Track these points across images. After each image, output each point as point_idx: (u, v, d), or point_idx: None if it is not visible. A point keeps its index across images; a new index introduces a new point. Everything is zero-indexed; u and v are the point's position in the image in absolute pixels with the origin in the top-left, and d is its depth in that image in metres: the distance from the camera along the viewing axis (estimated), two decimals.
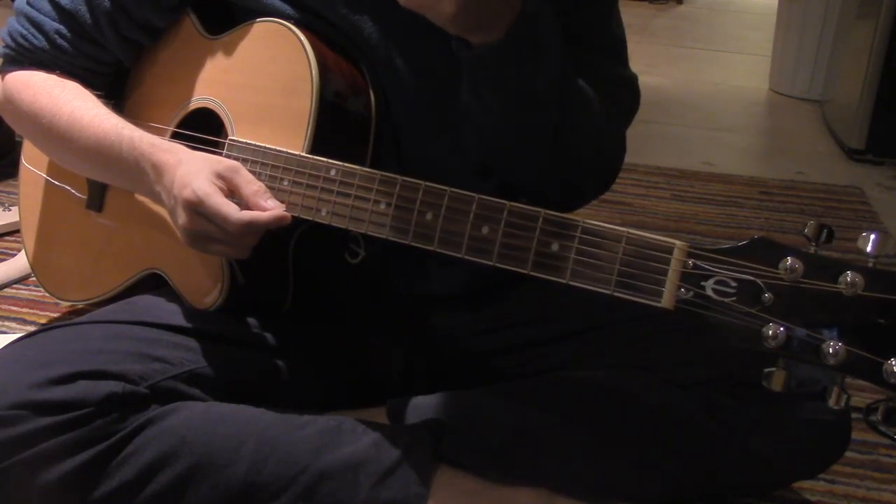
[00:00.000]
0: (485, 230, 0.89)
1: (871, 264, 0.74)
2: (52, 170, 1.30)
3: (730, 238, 2.16)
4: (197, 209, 0.99)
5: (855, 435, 1.12)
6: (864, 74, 2.77)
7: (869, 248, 0.74)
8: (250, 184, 1.01)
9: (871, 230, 0.75)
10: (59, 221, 1.30)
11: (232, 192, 1.01)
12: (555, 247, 0.86)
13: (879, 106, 2.77)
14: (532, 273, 0.87)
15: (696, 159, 2.73)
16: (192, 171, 1.00)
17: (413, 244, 0.94)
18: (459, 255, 0.91)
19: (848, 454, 1.14)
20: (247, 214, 0.98)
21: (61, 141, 1.13)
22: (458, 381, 1.17)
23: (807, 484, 1.26)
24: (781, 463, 1.09)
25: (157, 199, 1.07)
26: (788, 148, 2.99)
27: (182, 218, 1.00)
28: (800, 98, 3.50)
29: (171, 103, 1.18)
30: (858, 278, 0.73)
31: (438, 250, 0.92)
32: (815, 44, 3.42)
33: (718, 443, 1.08)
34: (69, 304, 1.44)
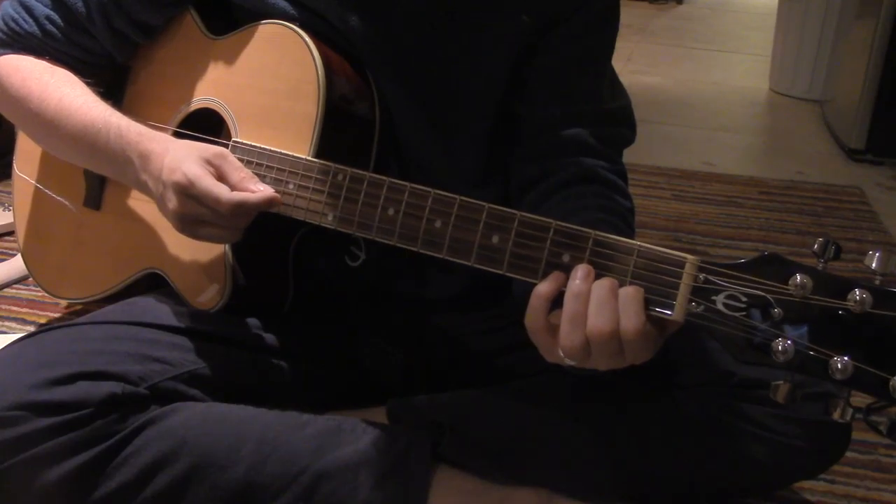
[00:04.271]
0: (495, 239, 0.90)
1: (877, 281, 0.75)
2: (44, 177, 1.30)
3: (730, 238, 2.16)
4: (188, 192, 0.98)
5: (855, 435, 1.12)
6: (864, 74, 2.77)
7: (874, 265, 0.75)
8: (238, 170, 1.01)
9: (877, 248, 0.76)
10: (56, 218, 1.30)
11: (220, 178, 1.01)
12: (566, 258, 0.87)
13: (879, 106, 2.77)
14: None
15: (696, 159, 2.73)
16: (181, 157, 1.00)
17: (422, 251, 0.94)
18: (469, 264, 0.91)
19: (848, 454, 1.14)
20: (238, 194, 0.99)
21: (49, 127, 1.12)
22: (458, 381, 1.17)
23: (807, 484, 1.26)
24: (782, 463, 1.09)
25: (144, 188, 1.06)
26: (788, 148, 2.99)
27: (172, 202, 1.00)
28: (800, 98, 3.50)
29: (172, 103, 1.17)
30: (866, 295, 0.74)
31: (447, 258, 0.92)
32: (815, 44, 3.42)
33: (719, 443, 1.08)
34: (67, 302, 1.43)
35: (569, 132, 1.13)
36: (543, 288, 0.86)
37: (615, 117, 1.16)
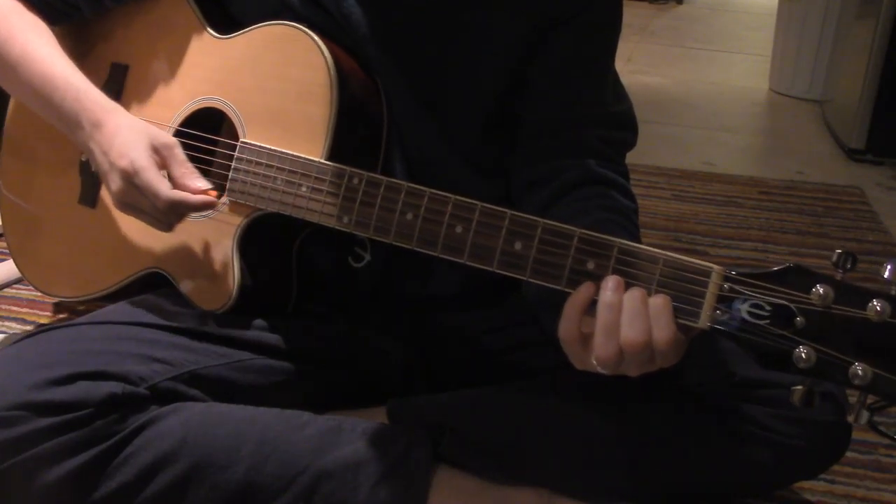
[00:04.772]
0: (517, 246, 0.91)
1: (893, 292, 0.78)
2: (34, 173, 1.29)
3: (729, 238, 2.17)
4: (131, 180, 1.03)
5: (855, 435, 1.12)
6: (864, 74, 2.76)
7: (887, 275, 0.78)
8: (181, 165, 1.06)
9: (891, 259, 0.79)
10: (48, 214, 1.29)
11: (163, 169, 1.05)
12: (590, 265, 0.88)
13: (879, 106, 2.77)
14: (566, 290, 0.89)
15: (696, 159, 2.73)
16: (131, 142, 1.04)
17: (442, 256, 0.94)
18: (491, 269, 0.92)
19: (848, 454, 1.14)
20: (176, 194, 1.03)
21: (8, 69, 1.13)
22: (460, 380, 1.17)
23: (807, 484, 1.26)
24: (782, 463, 1.09)
25: (89, 154, 1.09)
26: (788, 148, 2.99)
27: (116, 184, 1.04)
28: (800, 98, 3.50)
29: (174, 100, 1.17)
30: (886, 306, 0.77)
31: (469, 263, 0.93)
32: (815, 44, 3.42)
33: (719, 443, 1.08)
34: (60, 300, 1.43)
35: (572, 134, 1.13)
36: (576, 299, 0.88)
37: (618, 121, 1.16)
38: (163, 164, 1.05)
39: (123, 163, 1.03)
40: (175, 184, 1.05)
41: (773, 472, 1.11)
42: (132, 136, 1.05)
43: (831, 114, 3.16)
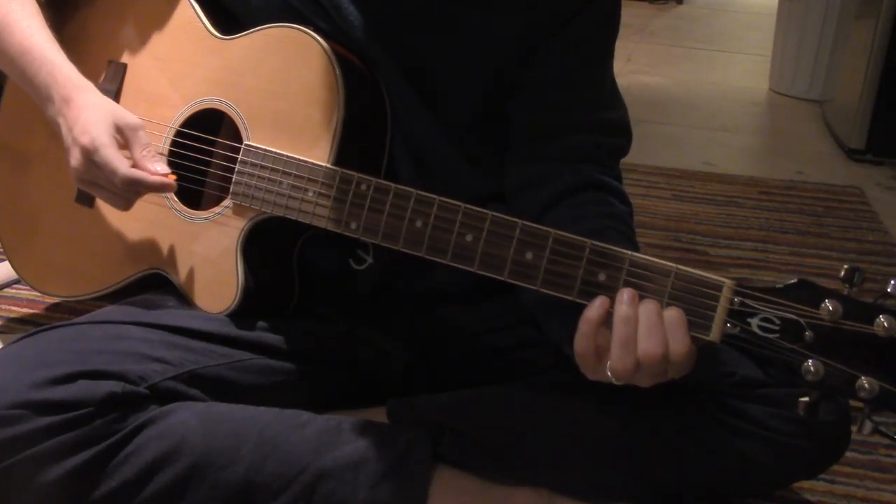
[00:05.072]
0: (528, 256, 0.91)
1: None
2: (30, 171, 1.29)
3: (730, 238, 2.16)
4: (91, 157, 1.05)
5: (855, 435, 1.12)
6: (864, 74, 2.76)
7: (890, 290, 0.80)
8: (143, 147, 1.08)
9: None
10: (44, 214, 1.28)
11: (124, 149, 1.07)
12: (602, 277, 0.89)
13: (879, 106, 2.76)
14: (577, 300, 0.90)
15: (696, 159, 2.73)
16: (95, 120, 1.06)
17: (452, 264, 0.94)
18: (502, 278, 0.93)
19: (848, 454, 1.14)
20: (134, 172, 1.06)
21: None
22: (460, 379, 1.17)
23: (807, 484, 1.26)
24: (782, 463, 1.09)
25: (57, 128, 1.11)
26: (788, 148, 2.99)
27: (76, 160, 1.07)
28: (800, 98, 3.50)
29: (175, 100, 1.17)
30: (893, 322, 0.79)
31: (479, 272, 0.93)
32: (815, 44, 3.42)
33: (719, 443, 1.08)
34: (60, 299, 1.42)
35: (568, 139, 1.13)
36: (592, 313, 0.89)
37: (614, 127, 1.16)
38: (125, 144, 1.08)
39: (85, 139, 1.05)
40: (135, 165, 1.07)
41: (773, 472, 1.11)
42: (97, 114, 1.07)
43: (831, 114, 3.16)
